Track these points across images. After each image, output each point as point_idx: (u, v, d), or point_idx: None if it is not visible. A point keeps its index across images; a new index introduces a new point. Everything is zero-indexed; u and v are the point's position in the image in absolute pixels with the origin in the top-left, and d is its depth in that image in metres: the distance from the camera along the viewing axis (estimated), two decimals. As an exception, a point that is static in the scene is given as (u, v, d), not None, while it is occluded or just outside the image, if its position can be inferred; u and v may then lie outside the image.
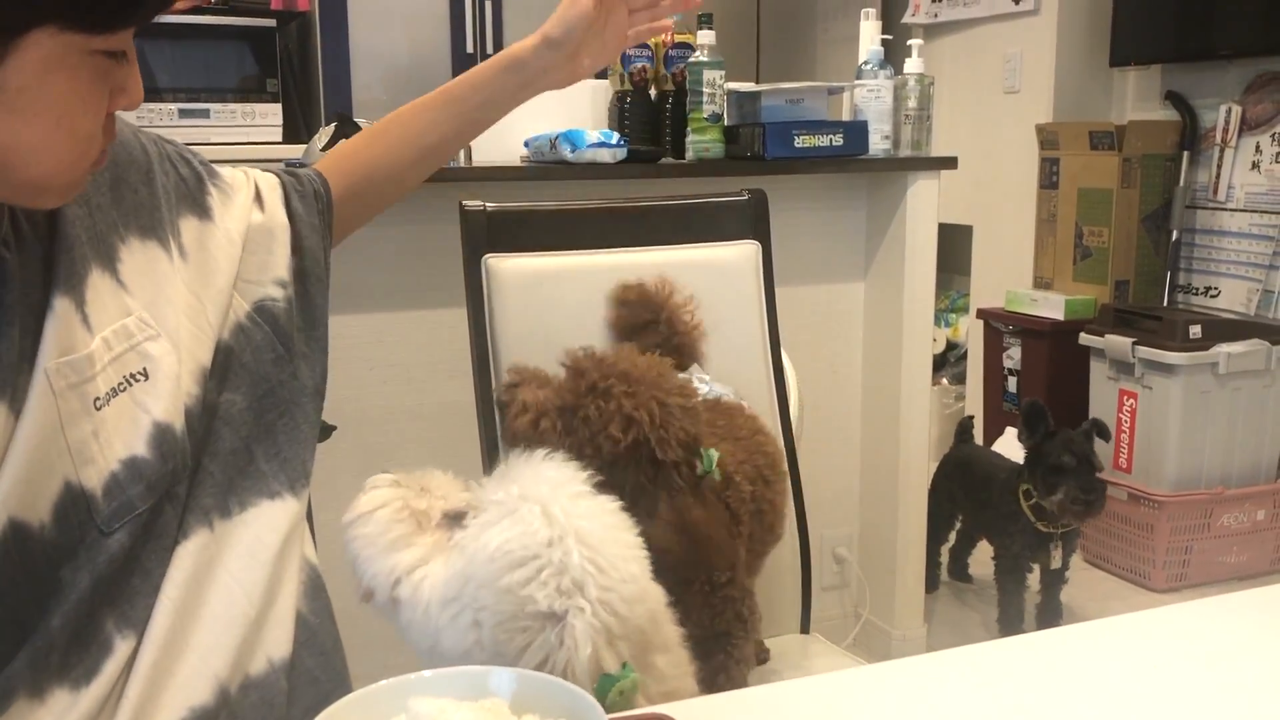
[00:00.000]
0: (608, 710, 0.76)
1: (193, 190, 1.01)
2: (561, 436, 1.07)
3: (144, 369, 0.90)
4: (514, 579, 0.76)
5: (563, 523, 0.79)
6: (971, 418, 3.11)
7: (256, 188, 1.07)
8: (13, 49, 0.74)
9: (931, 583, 2.93)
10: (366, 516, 0.85)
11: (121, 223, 0.93)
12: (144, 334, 0.90)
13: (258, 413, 0.99)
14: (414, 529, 0.84)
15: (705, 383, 1.35)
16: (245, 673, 0.93)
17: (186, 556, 0.92)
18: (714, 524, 1.17)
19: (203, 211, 1.01)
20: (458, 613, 0.78)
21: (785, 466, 1.36)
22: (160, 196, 0.97)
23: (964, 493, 2.86)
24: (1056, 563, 2.69)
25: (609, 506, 0.84)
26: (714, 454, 1.13)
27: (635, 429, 1.06)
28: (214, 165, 1.07)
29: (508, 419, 1.10)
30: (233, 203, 1.04)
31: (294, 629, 0.98)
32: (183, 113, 3.75)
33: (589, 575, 0.77)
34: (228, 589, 0.93)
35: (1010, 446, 2.89)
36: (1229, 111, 3.38)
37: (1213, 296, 3.47)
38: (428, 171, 1.17)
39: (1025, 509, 2.62)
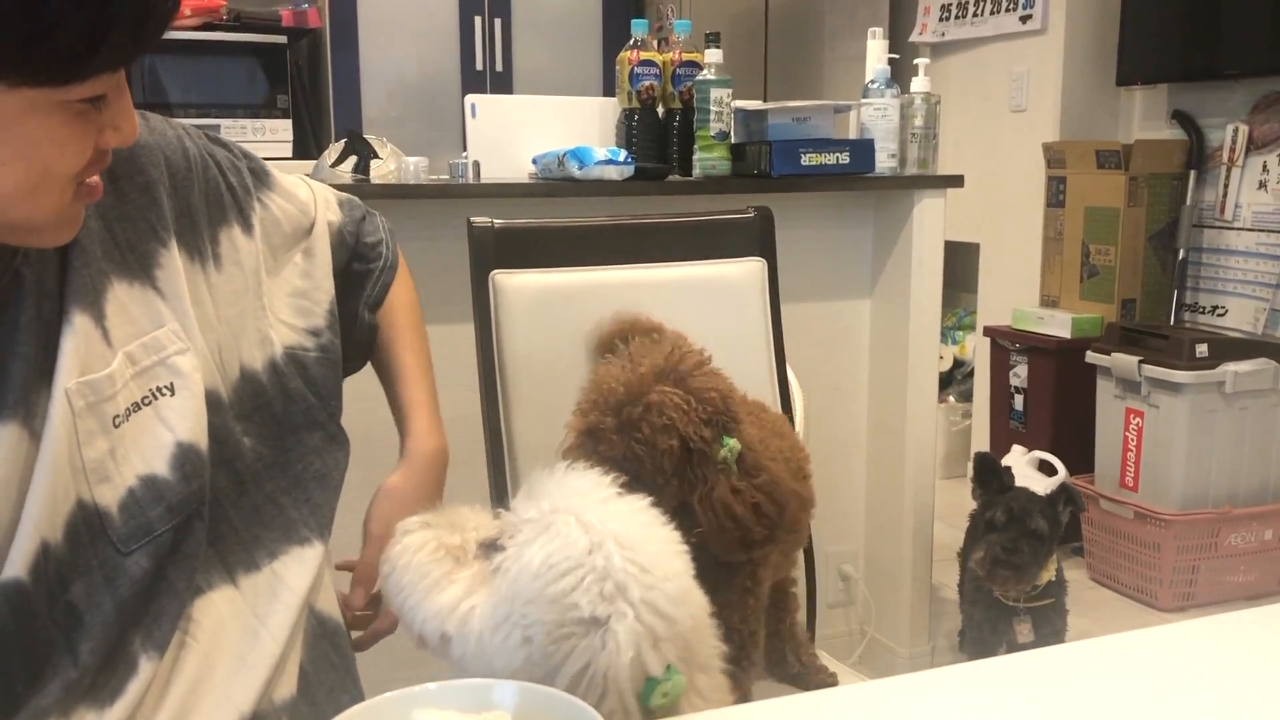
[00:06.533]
0: (654, 714, 0.76)
1: (239, 200, 0.99)
2: (632, 489, 1.05)
3: (171, 384, 0.88)
4: (559, 588, 0.77)
5: (599, 528, 0.79)
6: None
7: (313, 225, 1.06)
8: None
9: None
10: (405, 564, 0.84)
11: (160, 226, 0.91)
12: (175, 347, 0.89)
13: (285, 465, 0.98)
14: (452, 566, 0.84)
15: None
16: (262, 710, 0.93)
17: (211, 607, 0.91)
18: (735, 509, 1.11)
19: (246, 224, 0.99)
20: (508, 633, 0.78)
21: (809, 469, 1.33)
22: (198, 204, 0.95)
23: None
24: (1025, 638, 2.35)
25: (639, 506, 0.84)
26: (734, 443, 1.08)
27: (673, 431, 1.03)
28: (277, 178, 1.04)
29: None
30: (281, 230, 1.03)
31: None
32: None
33: (631, 577, 0.77)
34: (255, 634, 0.93)
35: (1015, 465, 2.88)
36: (1235, 131, 3.39)
37: (1220, 315, 3.47)
38: None
39: (972, 565, 2.36)
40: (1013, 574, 2.28)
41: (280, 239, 1.03)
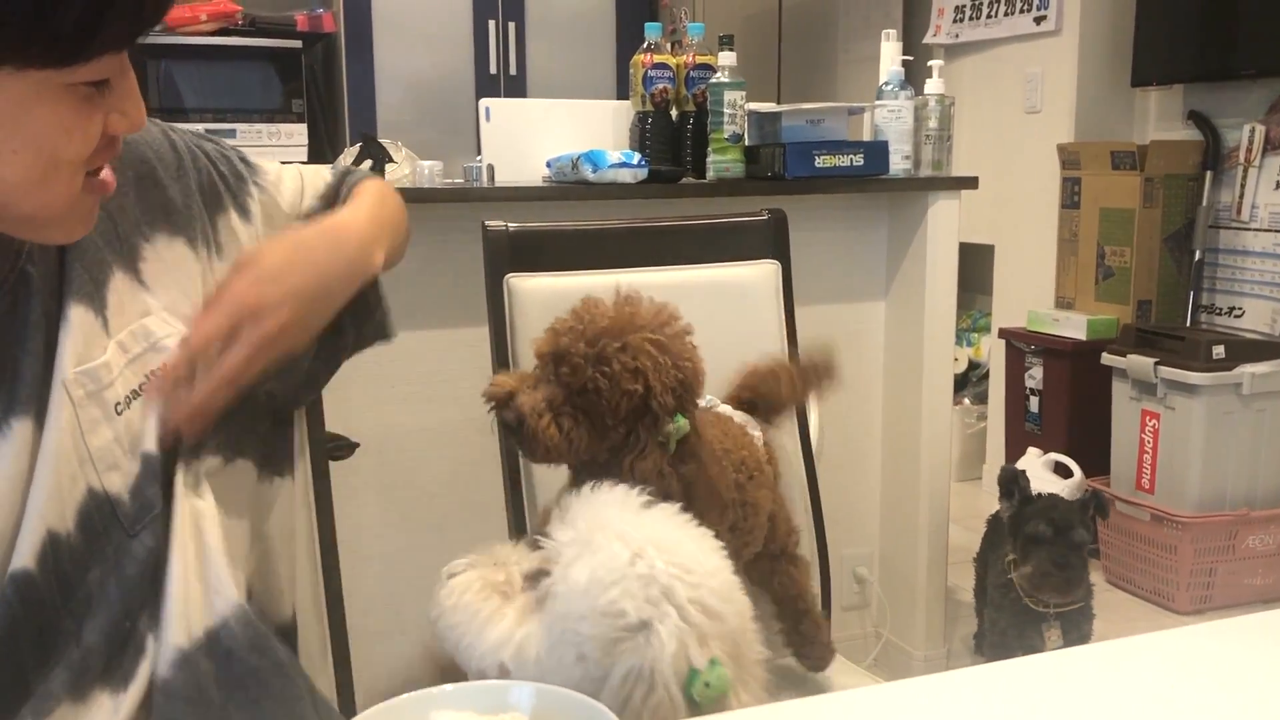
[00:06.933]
0: (699, 707, 0.77)
1: (233, 188, 1.01)
2: (579, 422, 1.05)
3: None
4: (606, 599, 0.78)
5: (637, 537, 0.81)
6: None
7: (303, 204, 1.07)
8: None
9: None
10: (454, 606, 0.85)
11: (146, 221, 0.93)
12: (165, 331, 0.90)
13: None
14: (500, 601, 0.86)
15: None
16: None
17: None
18: (704, 478, 1.12)
19: (243, 211, 1.01)
20: (563, 653, 0.80)
21: (769, 469, 1.32)
22: (193, 194, 0.97)
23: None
24: (1053, 644, 2.33)
25: (672, 511, 0.86)
26: (684, 424, 1.07)
27: (641, 377, 1.03)
28: (267, 166, 1.06)
29: (531, 432, 1.05)
30: (280, 211, 1.04)
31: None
32: (209, 133, 3.79)
33: (675, 579, 0.79)
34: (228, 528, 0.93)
35: (1031, 466, 2.88)
36: (1252, 131, 3.37)
37: (1236, 316, 3.45)
38: None
39: (1016, 578, 2.36)
40: (1065, 585, 2.28)
41: (282, 220, 1.05)
